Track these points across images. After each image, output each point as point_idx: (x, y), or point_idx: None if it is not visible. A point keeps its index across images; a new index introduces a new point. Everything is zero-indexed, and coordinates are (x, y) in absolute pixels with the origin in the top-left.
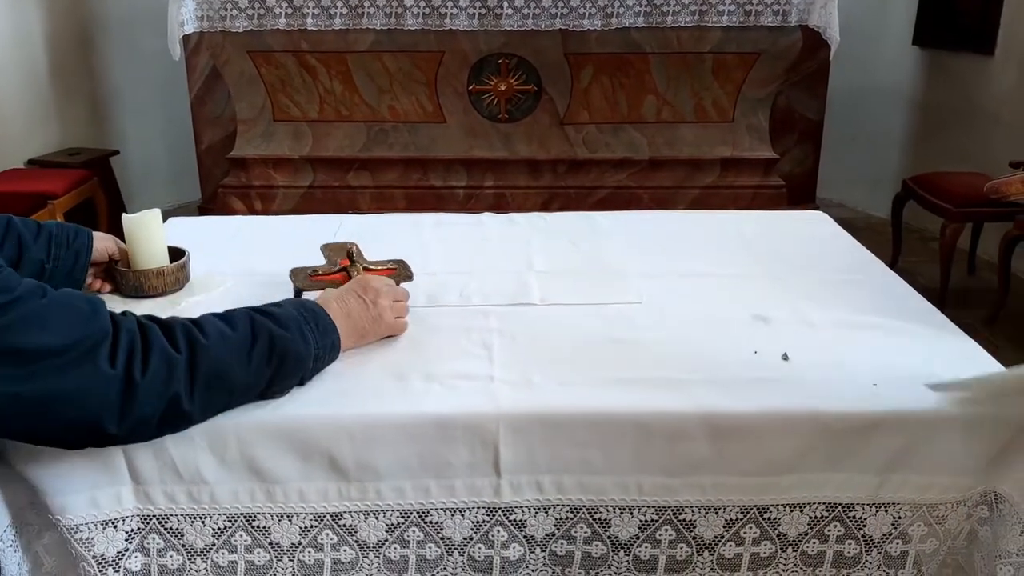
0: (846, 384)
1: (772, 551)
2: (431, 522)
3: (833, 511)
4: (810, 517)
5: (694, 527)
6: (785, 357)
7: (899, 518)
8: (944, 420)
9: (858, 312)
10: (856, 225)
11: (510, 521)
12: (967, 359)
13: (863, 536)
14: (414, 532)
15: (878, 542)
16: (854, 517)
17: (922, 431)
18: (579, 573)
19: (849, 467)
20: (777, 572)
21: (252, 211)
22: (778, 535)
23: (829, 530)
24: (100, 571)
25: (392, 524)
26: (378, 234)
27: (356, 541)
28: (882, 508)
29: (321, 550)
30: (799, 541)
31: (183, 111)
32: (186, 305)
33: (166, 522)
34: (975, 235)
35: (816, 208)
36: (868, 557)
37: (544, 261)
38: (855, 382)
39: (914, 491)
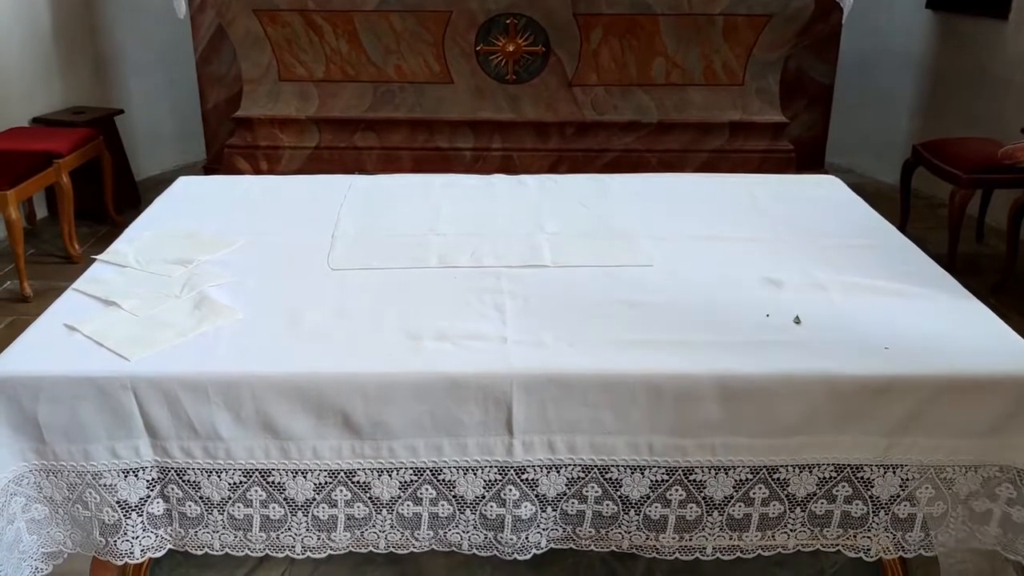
0: (857, 347)
1: (780, 511)
2: (444, 480)
3: (842, 471)
4: (819, 478)
5: (704, 487)
6: (797, 320)
7: (907, 480)
8: (953, 384)
9: (870, 276)
10: (865, 191)
11: (522, 480)
12: (978, 323)
13: (871, 497)
14: (427, 490)
15: (886, 503)
16: (862, 478)
17: (931, 394)
18: (590, 532)
19: (858, 429)
20: (785, 533)
21: (258, 171)
22: (787, 495)
23: (837, 490)
24: (124, 515)
25: (405, 482)
26: (388, 194)
27: (370, 498)
28: (890, 470)
29: (335, 506)
30: (807, 501)
31: (188, 70)
32: (198, 264)
33: (184, 474)
34: (984, 201)
35: (825, 173)
36: (875, 518)
37: (555, 223)
38: (866, 345)
39: (922, 453)
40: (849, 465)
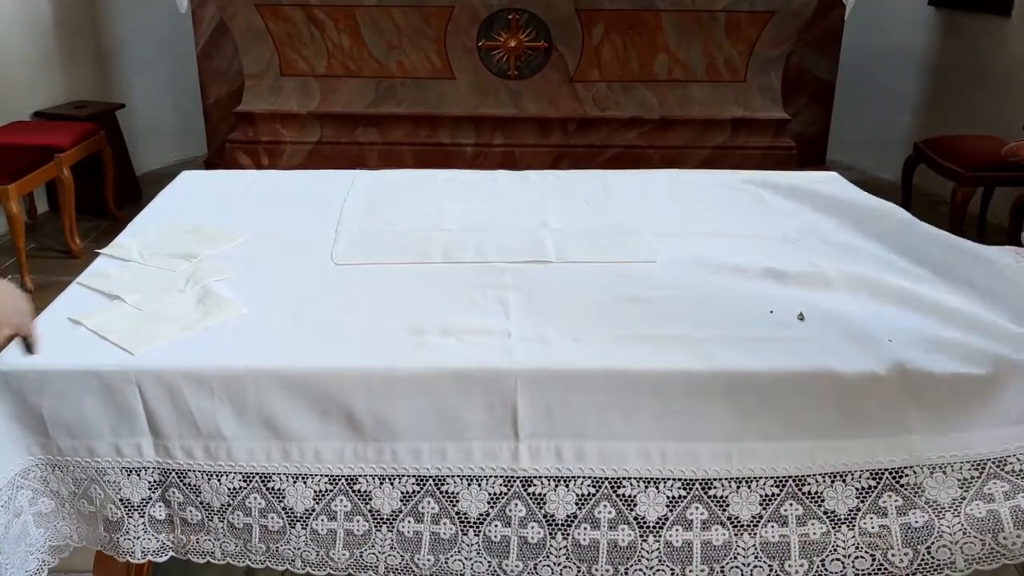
0: (862, 342)
1: (824, 531)
2: (447, 492)
3: (880, 478)
4: (856, 489)
5: (727, 505)
6: (801, 317)
7: (966, 479)
8: (967, 377)
9: (874, 270)
10: (866, 188)
11: (528, 494)
12: (986, 318)
13: (927, 503)
14: (429, 503)
15: (951, 506)
16: (908, 484)
17: (943, 386)
18: (607, 570)
19: (879, 430)
20: (839, 559)
21: (259, 166)
22: (825, 512)
23: (884, 501)
24: (127, 514)
25: (407, 492)
26: (391, 189)
27: (370, 510)
28: (937, 469)
29: (334, 519)
30: (853, 517)
31: (189, 65)
32: (202, 259)
33: (184, 477)
34: (985, 199)
35: (827, 170)
36: (942, 522)
37: (559, 219)
38: (871, 340)
39: (966, 446)
40: (886, 470)
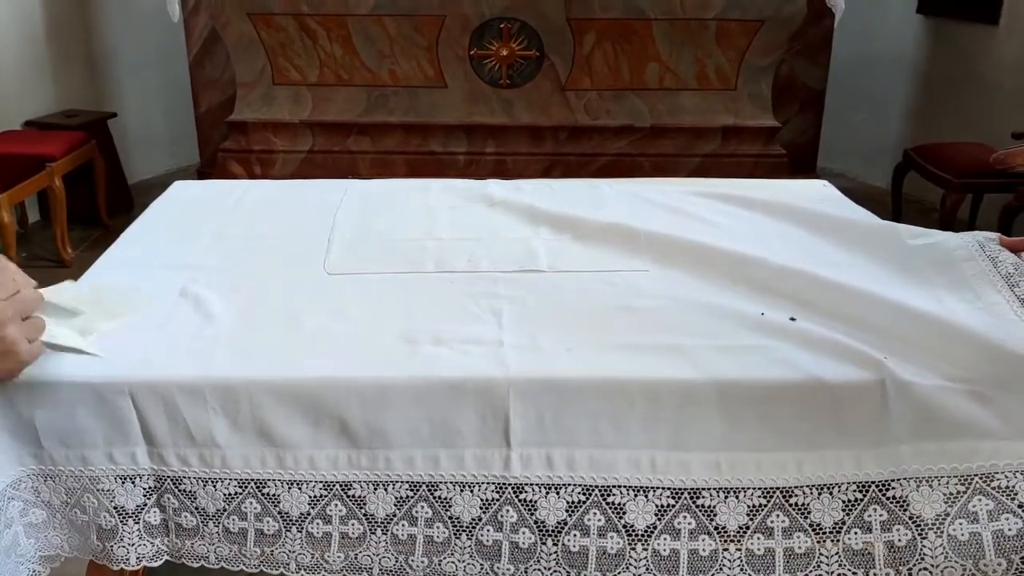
0: (854, 353)
1: (808, 545)
2: (440, 497)
3: (867, 491)
4: (843, 501)
5: (715, 515)
6: (793, 320)
7: (952, 494)
8: (967, 381)
9: (864, 282)
10: (856, 195)
11: (520, 501)
12: (984, 323)
13: (911, 517)
14: (423, 508)
15: (933, 523)
16: (894, 497)
17: (933, 397)
18: (596, 575)
19: (867, 441)
20: (821, 575)
21: (252, 175)
22: (811, 524)
23: (869, 515)
24: (121, 521)
25: (401, 497)
26: (384, 198)
27: (365, 514)
28: (924, 482)
29: (330, 522)
30: (838, 531)
31: (182, 73)
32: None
33: (180, 483)
34: (975, 205)
35: (817, 178)
36: (924, 541)
37: (551, 228)
38: (862, 352)
39: (955, 459)
40: (874, 482)
